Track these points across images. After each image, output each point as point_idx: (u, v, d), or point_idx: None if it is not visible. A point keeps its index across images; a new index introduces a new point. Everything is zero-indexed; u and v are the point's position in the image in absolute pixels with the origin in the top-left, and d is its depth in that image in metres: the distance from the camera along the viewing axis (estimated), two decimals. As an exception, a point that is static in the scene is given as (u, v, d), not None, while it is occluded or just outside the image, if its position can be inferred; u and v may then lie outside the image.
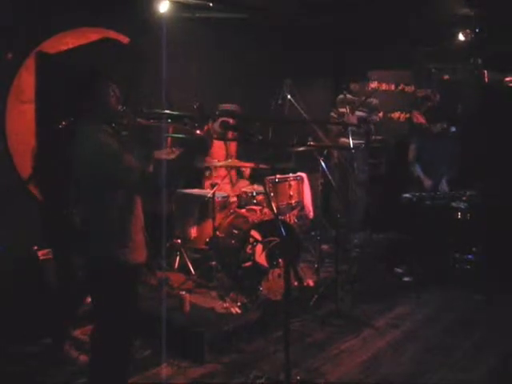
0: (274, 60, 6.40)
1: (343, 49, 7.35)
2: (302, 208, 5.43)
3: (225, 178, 5.35)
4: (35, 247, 4.16)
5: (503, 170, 5.75)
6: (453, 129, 6.12)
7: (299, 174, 5.49)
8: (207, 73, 5.98)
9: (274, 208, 3.80)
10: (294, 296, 4.42)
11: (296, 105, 5.05)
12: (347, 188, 5.97)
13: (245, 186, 5.43)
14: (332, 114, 6.44)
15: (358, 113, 6.29)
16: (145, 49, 5.19)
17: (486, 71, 6.73)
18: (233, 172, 5.58)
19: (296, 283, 4.58)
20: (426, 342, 4.10)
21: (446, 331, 4.31)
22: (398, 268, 5.56)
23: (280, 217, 4.72)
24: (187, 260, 4.95)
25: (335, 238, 4.84)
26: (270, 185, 5.07)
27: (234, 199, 5.15)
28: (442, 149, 5.87)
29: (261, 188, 5.12)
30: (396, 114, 7.36)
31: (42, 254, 4.14)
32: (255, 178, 5.61)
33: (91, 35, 4.92)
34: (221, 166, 5.27)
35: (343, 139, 6.11)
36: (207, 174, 5.46)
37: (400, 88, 7.36)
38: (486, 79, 6.73)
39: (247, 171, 5.65)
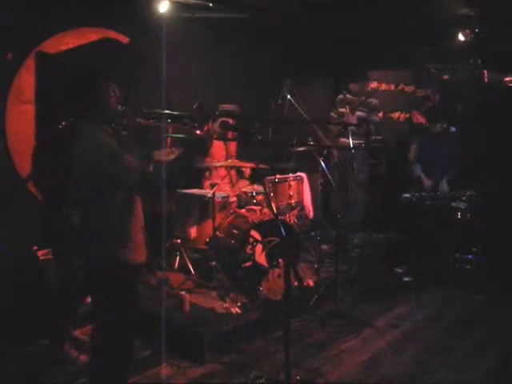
0: (274, 60, 6.39)
1: (343, 49, 7.34)
2: (302, 208, 5.43)
3: (225, 178, 5.35)
4: (35, 247, 4.17)
5: (503, 170, 5.75)
6: (453, 129, 6.13)
7: (299, 174, 5.48)
8: (207, 73, 5.98)
9: (274, 208, 3.80)
10: (294, 296, 4.42)
11: (296, 105, 5.05)
12: (347, 188, 5.97)
13: (245, 186, 5.43)
14: (332, 114, 6.44)
15: (358, 113, 6.29)
16: (145, 49, 5.19)
17: (485, 71, 6.73)
18: (233, 172, 5.58)
19: (296, 283, 4.58)
20: (426, 341, 4.10)
21: (445, 331, 4.31)
22: (397, 268, 5.57)
23: (280, 217, 4.71)
24: (187, 260, 4.95)
25: (335, 238, 4.84)
26: (270, 185, 5.07)
27: (234, 199, 5.15)
28: (442, 149, 5.87)
29: (261, 188, 5.12)
30: (396, 114, 7.36)
31: (41, 254, 4.15)
32: (255, 178, 5.61)
33: (91, 35, 4.92)
34: (221, 166, 5.27)
35: (343, 139, 6.11)
36: (207, 174, 5.46)
37: (400, 88, 7.36)
38: (486, 79, 6.73)
39: (247, 171, 5.64)
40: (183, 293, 4.21)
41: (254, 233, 4.55)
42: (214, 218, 4.70)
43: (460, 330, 4.32)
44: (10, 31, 4.32)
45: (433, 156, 5.91)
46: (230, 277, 4.56)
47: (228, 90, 5.96)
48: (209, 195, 4.77)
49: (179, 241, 5.03)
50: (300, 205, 5.35)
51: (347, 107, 5.95)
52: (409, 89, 7.33)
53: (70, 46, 4.75)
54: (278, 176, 5.17)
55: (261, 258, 4.44)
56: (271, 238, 4.46)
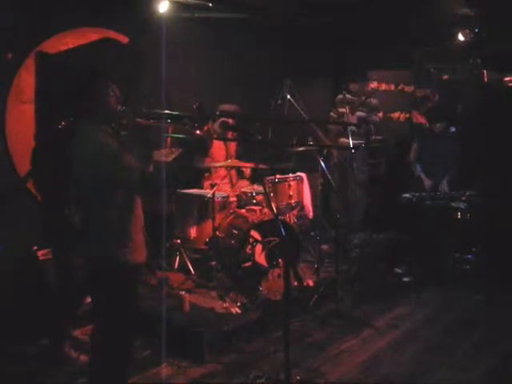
0: (274, 60, 6.40)
1: (343, 49, 7.35)
2: (302, 208, 5.43)
3: (225, 178, 5.35)
4: (35, 247, 4.17)
5: (503, 170, 5.75)
6: (453, 129, 6.13)
7: (299, 174, 5.49)
8: (207, 73, 5.98)
9: (274, 208, 3.80)
10: (294, 296, 4.41)
11: (296, 105, 5.05)
12: (347, 188, 5.97)
13: (245, 186, 5.42)
14: (332, 114, 6.44)
15: (358, 113, 6.29)
16: (144, 49, 5.19)
17: (485, 71, 6.73)
18: (233, 172, 5.57)
19: (296, 283, 4.58)
20: (426, 341, 4.10)
21: (445, 331, 4.31)
22: (397, 268, 5.56)
23: (280, 217, 4.71)
24: (187, 260, 4.95)
25: (335, 238, 4.84)
26: (270, 185, 5.08)
27: (234, 199, 5.15)
28: (442, 149, 5.88)
29: (260, 188, 5.12)
30: (396, 114, 7.36)
31: (41, 254, 4.15)
32: (255, 178, 5.61)
33: (91, 35, 4.92)
34: (221, 166, 5.27)
35: (343, 139, 6.11)
36: (207, 174, 5.46)
37: (400, 88, 7.36)
38: (486, 79, 6.72)
39: (247, 171, 5.64)
40: (183, 293, 4.21)
41: (253, 233, 4.55)
42: (213, 218, 4.70)
43: (460, 330, 4.31)
44: (10, 31, 4.32)
45: (433, 156, 5.91)
46: (229, 277, 4.56)
47: (228, 90, 5.96)
48: (209, 195, 4.77)
49: (179, 241, 5.02)
50: (300, 205, 5.36)
51: (347, 107, 5.95)
52: (409, 89, 7.33)
53: (70, 46, 4.75)
54: (277, 176, 5.17)
55: (261, 258, 4.43)
56: (271, 238, 4.46)
